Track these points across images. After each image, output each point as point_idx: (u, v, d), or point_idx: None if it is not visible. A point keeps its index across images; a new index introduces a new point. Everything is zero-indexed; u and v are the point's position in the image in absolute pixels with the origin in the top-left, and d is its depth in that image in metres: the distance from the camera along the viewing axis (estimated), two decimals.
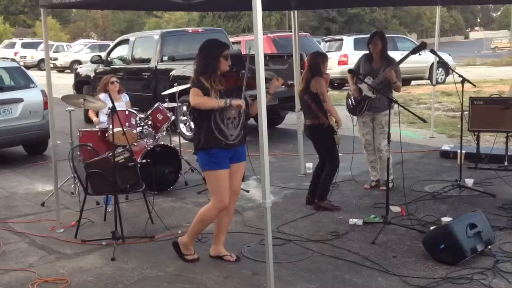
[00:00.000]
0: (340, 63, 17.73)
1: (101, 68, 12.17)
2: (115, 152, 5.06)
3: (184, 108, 9.40)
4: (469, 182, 6.45)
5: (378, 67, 6.29)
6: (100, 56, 12.64)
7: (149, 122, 6.89)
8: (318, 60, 5.79)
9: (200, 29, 12.61)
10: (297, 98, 7.46)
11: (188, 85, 4.62)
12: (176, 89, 7.56)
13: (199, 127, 4.41)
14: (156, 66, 10.77)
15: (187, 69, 9.62)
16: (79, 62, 26.69)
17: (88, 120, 10.24)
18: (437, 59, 8.61)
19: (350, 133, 6.62)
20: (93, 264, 4.68)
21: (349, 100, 6.51)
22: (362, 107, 6.34)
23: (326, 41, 20.50)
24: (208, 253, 4.72)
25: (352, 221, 5.42)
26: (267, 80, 4.17)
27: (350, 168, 6.85)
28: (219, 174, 4.35)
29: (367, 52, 6.46)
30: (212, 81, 4.28)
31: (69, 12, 58.52)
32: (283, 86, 4.61)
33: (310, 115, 5.80)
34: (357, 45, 17.86)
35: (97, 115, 7.19)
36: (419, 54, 6.34)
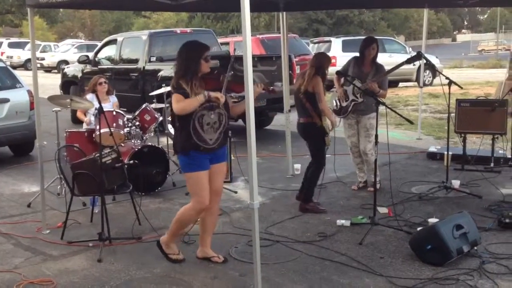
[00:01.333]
0: (324, 64, 17.74)
1: (88, 68, 12.11)
2: (102, 153, 5.03)
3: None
4: (456, 183, 6.50)
5: (368, 71, 6.31)
6: (87, 56, 12.57)
7: (137, 123, 6.86)
8: (323, 61, 5.83)
9: (188, 29, 12.60)
10: (285, 100, 7.49)
11: None
12: (164, 89, 7.53)
13: (178, 132, 4.40)
14: (144, 67, 10.73)
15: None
16: (66, 62, 26.54)
17: (75, 121, 10.20)
18: (424, 61, 8.66)
19: (332, 134, 6.63)
20: (80, 265, 4.65)
21: (334, 101, 6.53)
22: (347, 109, 6.36)
23: (315, 43, 20.53)
24: (195, 255, 4.71)
25: (340, 222, 5.43)
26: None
27: (334, 169, 6.88)
28: (199, 175, 4.35)
29: (357, 54, 6.48)
30: (193, 84, 4.27)
31: (56, 12, 58.15)
32: (264, 91, 4.64)
33: (304, 113, 5.80)
34: (345, 47, 17.89)
35: (85, 115, 7.15)
36: (413, 65, 6.38)
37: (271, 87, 4.74)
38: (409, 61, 6.26)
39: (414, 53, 6.64)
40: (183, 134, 4.32)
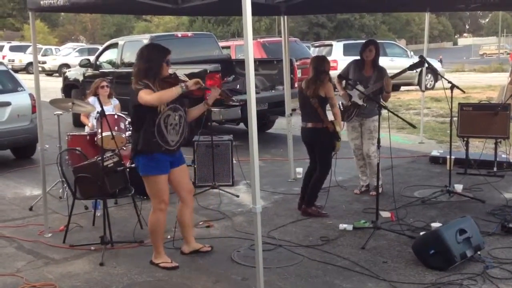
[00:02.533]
0: (330, 68, 17.76)
1: (89, 72, 12.10)
2: (104, 156, 5.02)
3: None
4: (459, 187, 6.48)
5: (369, 75, 6.29)
6: (89, 59, 12.57)
7: None
8: (320, 63, 5.81)
9: (189, 33, 12.57)
10: (287, 103, 7.48)
11: None
12: None
13: (139, 130, 4.39)
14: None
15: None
16: (67, 66, 26.57)
17: (77, 124, 10.20)
18: (426, 65, 8.65)
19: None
20: (82, 269, 4.64)
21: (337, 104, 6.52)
22: (351, 113, 6.35)
23: (316, 47, 20.54)
24: (182, 251, 4.82)
25: (342, 226, 5.42)
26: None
27: (333, 172, 6.87)
28: (159, 178, 4.43)
29: (357, 58, 6.47)
30: (157, 85, 4.32)
31: (57, 16, 58.34)
32: (221, 97, 4.76)
33: (314, 118, 5.76)
34: (346, 50, 17.88)
35: (89, 119, 7.14)
36: (416, 72, 6.37)
37: (228, 97, 4.91)
38: (411, 68, 6.26)
39: (415, 57, 6.63)
40: (145, 134, 4.34)
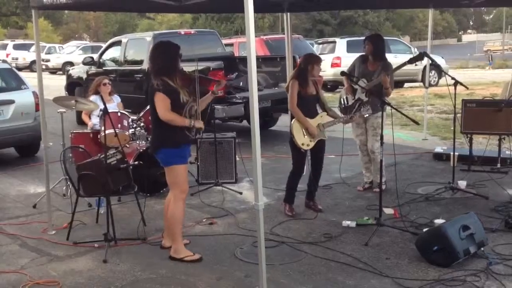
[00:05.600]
0: (333, 65, 17.75)
1: (93, 69, 12.12)
2: (107, 154, 5.03)
3: None
4: (462, 184, 6.46)
5: (373, 69, 6.29)
6: (92, 57, 12.59)
7: (142, 124, 6.86)
8: (305, 63, 5.72)
9: (192, 31, 12.55)
10: None
11: None
12: None
13: (165, 126, 4.50)
14: (148, 68, 10.71)
15: None
16: (71, 64, 26.61)
17: (80, 122, 10.21)
18: (430, 61, 8.63)
19: (341, 135, 6.62)
20: (85, 266, 4.65)
21: (342, 99, 6.52)
22: (352, 108, 6.33)
23: (319, 44, 20.53)
24: (162, 245, 4.90)
25: (345, 223, 5.42)
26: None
27: (339, 170, 6.87)
28: (183, 168, 4.65)
29: (362, 53, 6.47)
30: (177, 80, 4.51)
31: (61, 14, 58.41)
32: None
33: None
34: (350, 47, 17.88)
35: (90, 118, 7.15)
36: (416, 65, 6.36)
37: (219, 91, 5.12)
38: (411, 61, 6.25)
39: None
40: (173, 128, 4.50)
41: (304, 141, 5.65)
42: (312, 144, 5.68)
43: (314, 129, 5.63)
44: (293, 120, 5.67)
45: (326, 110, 5.83)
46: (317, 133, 5.66)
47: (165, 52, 4.56)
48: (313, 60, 5.78)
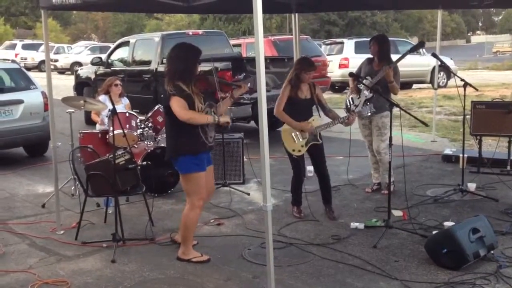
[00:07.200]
0: (341, 66, 17.70)
1: (101, 70, 12.15)
2: (116, 154, 5.04)
3: None
4: (472, 186, 6.42)
5: (379, 69, 6.27)
6: (100, 58, 12.61)
7: (150, 124, 6.87)
8: (295, 67, 5.64)
9: (200, 31, 12.57)
10: None
11: None
12: None
13: (182, 130, 4.42)
14: (156, 68, 10.74)
15: None
16: (79, 64, 26.68)
17: (89, 122, 10.24)
18: (439, 62, 8.60)
19: (348, 137, 6.60)
20: (93, 266, 4.66)
21: (347, 101, 6.51)
22: (357, 105, 6.27)
23: (327, 44, 20.47)
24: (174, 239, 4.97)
25: (354, 225, 5.39)
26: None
27: (347, 171, 6.84)
28: (202, 175, 4.54)
29: (370, 56, 6.48)
30: (193, 85, 4.40)
31: (69, 14, 58.60)
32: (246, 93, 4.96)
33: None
34: (358, 48, 17.82)
35: (99, 116, 7.16)
36: (417, 53, 6.35)
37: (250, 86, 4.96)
38: (412, 50, 6.24)
39: (428, 54, 6.61)
40: (190, 135, 4.42)
41: (295, 147, 5.66)
42: (303, 149, 5.67)
43: (305, 125, 5.61)
44: (282, 127, 5.66)
45: (326, 112, 5.79)
46: (310, 128, 5.61)
47: (184, 55, 4.42)
48: (303, 65, 5.62)
